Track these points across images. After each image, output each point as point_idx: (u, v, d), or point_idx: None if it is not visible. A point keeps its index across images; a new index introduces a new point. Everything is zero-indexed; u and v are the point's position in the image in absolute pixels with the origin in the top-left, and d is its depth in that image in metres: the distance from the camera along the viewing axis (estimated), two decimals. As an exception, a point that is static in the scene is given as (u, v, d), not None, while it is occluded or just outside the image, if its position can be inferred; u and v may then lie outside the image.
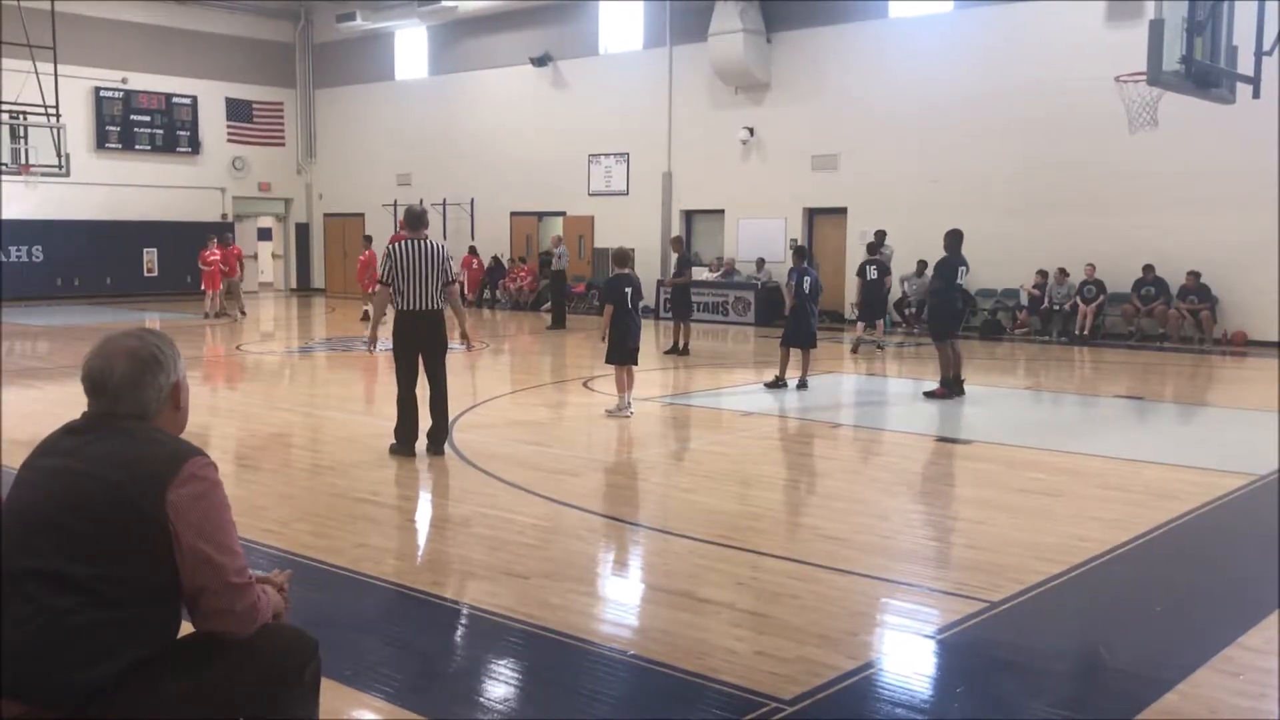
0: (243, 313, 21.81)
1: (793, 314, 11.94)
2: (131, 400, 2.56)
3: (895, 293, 18.75)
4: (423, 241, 7.89)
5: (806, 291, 11.85)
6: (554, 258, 20.37)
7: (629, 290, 9.95)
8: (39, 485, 2.50)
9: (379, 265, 7.99)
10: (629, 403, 9.97)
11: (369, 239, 22.08)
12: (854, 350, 16.22)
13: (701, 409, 10.79)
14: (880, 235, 17.88)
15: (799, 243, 19.55)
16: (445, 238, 26.38)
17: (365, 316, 20.50)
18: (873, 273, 16.63)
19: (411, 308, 7.86)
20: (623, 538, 6.20)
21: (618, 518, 6.58)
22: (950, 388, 11.23)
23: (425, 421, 8.07)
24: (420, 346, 7.98)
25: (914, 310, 19.25)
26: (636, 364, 10.13)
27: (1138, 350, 16.51)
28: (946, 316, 11.47)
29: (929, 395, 11.25)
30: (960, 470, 8.11)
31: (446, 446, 8.11)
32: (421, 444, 8.07)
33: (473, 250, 25.37)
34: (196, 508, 2.46)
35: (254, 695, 2.56)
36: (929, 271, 18.45)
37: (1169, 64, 9.48)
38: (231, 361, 15.07)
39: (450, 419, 8.47)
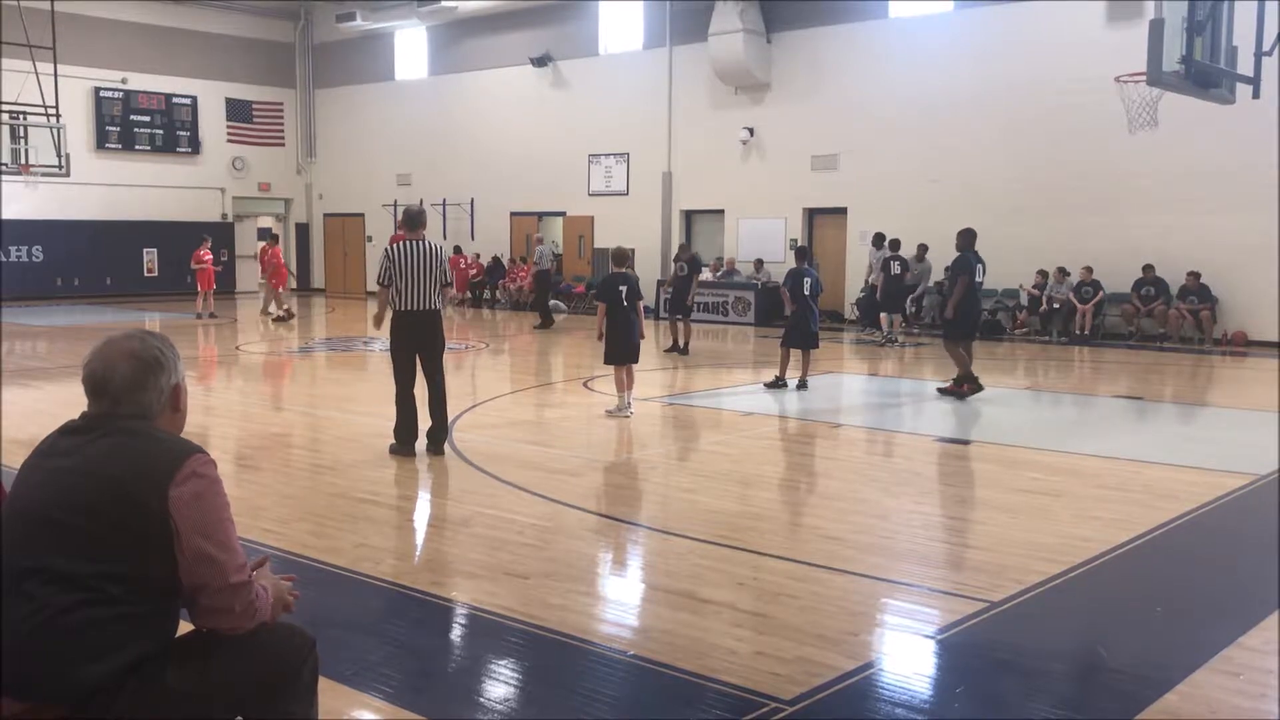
0: (267, 313, 22.10)
1: (794, 314, 11.93)
2: (133, 402, 2.57)
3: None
4: (420, 242, 7.91)
5: (807, 292, 11.84)
6: (536, 257, 20.40)
7: (624, 289, 9.93)
8: (40, 484, 2.50)
9: (379, 266, 8.01)
10: (629, 402, 9.98)
11: (275, 237, 21.78)
12: (893, 341, 16.97)
13: (701, 409, 10.79)
14: (880, 237, 17.94)
15: (800, 243, 19.56)
16: (445, 238, 26.39)
17: (278, 317, 20.38)
18: (896, 268, 17.06)
19: (409, 308, 7.88)
20: (623, 538, 6.19)
21: (618, 518, 6.58)
22: (959, 384, 11.22)
23: (425, 421, 8.08)
24: (418, 346, 8.00)
25: (915, 309, 19.21)
26: (636, 362, 10.13)
27: (1138, 350, 16.51)
28: (965, 318, 11.42)
29: (943, 392, 11.22)
30: (960, 470, 8.11)
31: (446, 446, 8.11)
32: (421, 444, 8.07)
33: (457, 250, 25.35)
34: (198, 505, 2.46)
35: (253, 693, 2.56)
36: (929, 257, 18.48)
37: (1169, 64, 9.48)
38: (231, 361, 15.06)
39: (450, 419, 8.47)
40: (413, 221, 8.14)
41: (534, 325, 19.76)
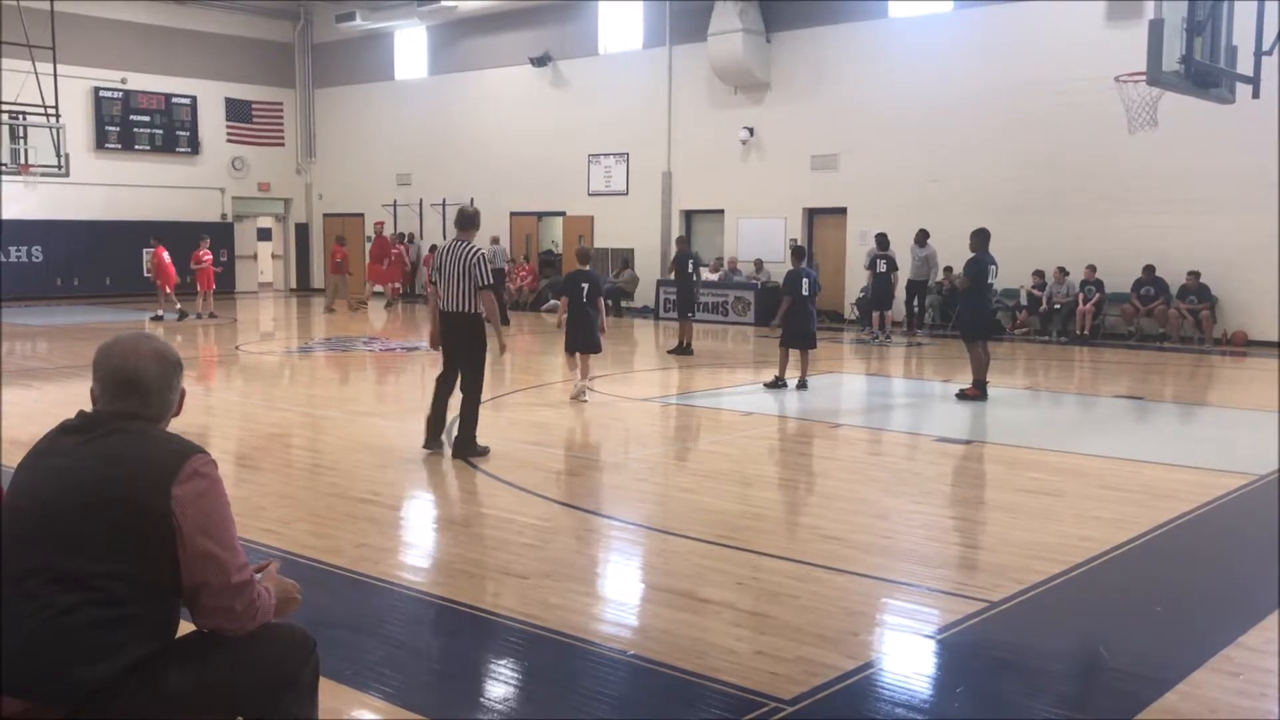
0: (331, 309, 22.95)
1: (792, 315, 11.92)
2: (160, 402, 2.59)
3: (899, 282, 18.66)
4: (460, 244, 7.93)
5: (806, 293, 11.85)
6: (490, 256, 20.62)
7: (585, 286, 10.78)
8: (39, 484, 2.50)
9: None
10: (581, 388, 10.72)
11: (157, 238, 21.22)
12: (888, 339, 17.29)
13: (701, 409, 10.79)
14: (881, 238, 17.93)
15: (798, 243, 19.55)
16: (444, 237, 26.37)
17: (157, 317, 20.26)
18: (882, 266, 17.17)
19: (445, 308, 7.95)
20: (623, 538, 6.19)
21: (618, 518, 6.57)
22: (981, 389, 11.20)
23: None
24: (454, 348, 8.00)
25: (919, 310, 19.14)
26: (599, 351, 10.97)
27: (1138, 350, 16.51)
28: (978, 317, 11.40)
29: (961, 396, 11.19)
30: (960, 470, 8.11)
31: (445, 446, 8.11)
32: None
33: (403, 238, 25.82)
34: (200, 504, 2.46)
35: (253, 693, 2.56)
36: (930, 243, 18.41)
37: (1169, 64, 9.50)
38: (231, 361, 15.06)
39: (451, 420, 8.44)
40: (460, 222, 8.18)
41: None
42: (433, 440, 8.09)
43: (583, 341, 10.79)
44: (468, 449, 7.91)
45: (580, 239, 24.30)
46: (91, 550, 2.39)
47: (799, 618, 4.64)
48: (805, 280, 11.89)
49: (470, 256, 7.84)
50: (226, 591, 2.48)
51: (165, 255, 20.33)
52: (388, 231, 26.67)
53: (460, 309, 7.88)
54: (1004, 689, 4.08)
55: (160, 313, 20.43)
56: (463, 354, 7.98)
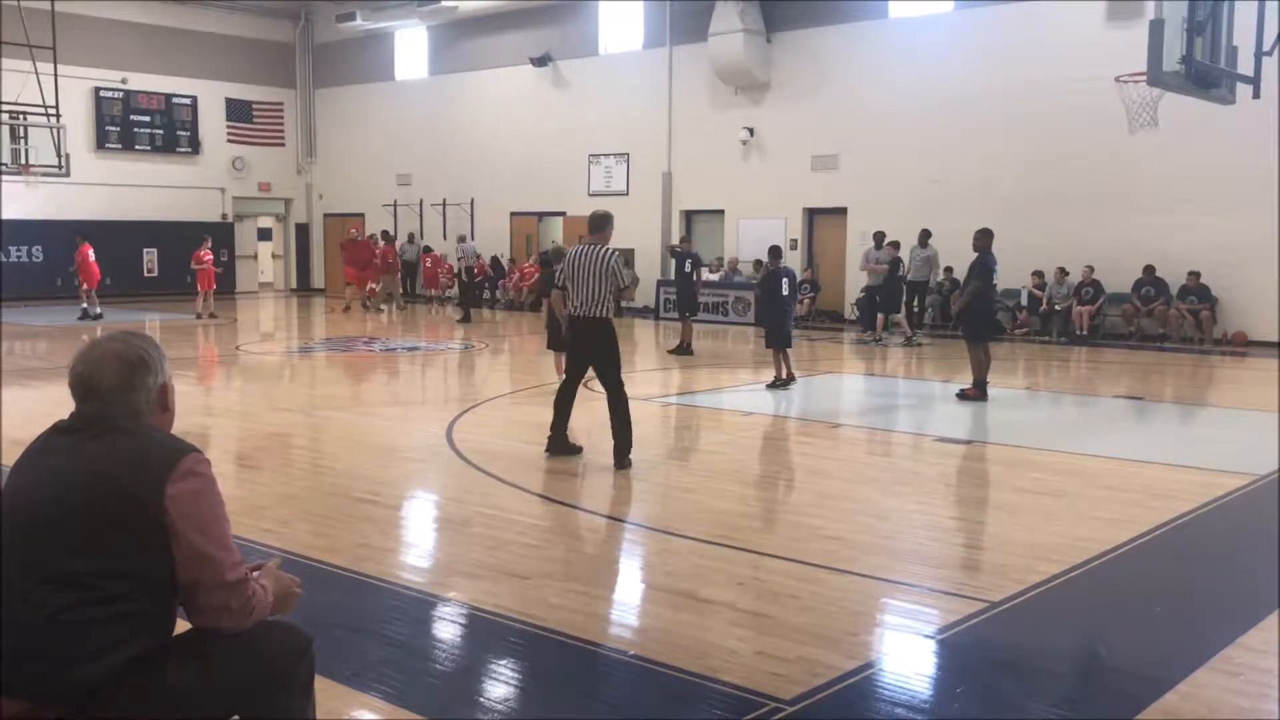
0: (381, 309, 23.27)
1: (772, 315, 11.94)
2: (123, 403, 2.57)
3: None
4: (594, 247, 7.85)
5: (785, 292, 11.88)
6: (460, 254, 21.98)
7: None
8: (35, 483, 2.50)
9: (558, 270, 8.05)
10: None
11: (85, 235, 20.96)
12: (884, 340, 17.39)
13: (702, 409, 10.79)
14: (879, 236, 17.91)
15: (798, 242, 19.57)
16: (445, 237, 26.41)
17: (85, 315, 20.19)
18: (886, 267, 17.20)
19: (577, 313, 7.85)
20: (623, 538, 6.19)
21: (618, 518, 6.57)
22: (981, 390, 11.19)
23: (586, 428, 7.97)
24: (587, 354, 7.92)
25: (919, 310, 19.12)
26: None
27: (1138, 350, 16.51)
28: (983, 318, 11.38)
29: (961, 396, 11.19)
30: (960, 470, 8.11)
31: (446, 446, 8.11)
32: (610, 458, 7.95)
33: (386, 235, 25.39)
34: (194, 503, 2.46)
35: (249, 691, 2.56)
36: (932, 243, 18.37)
37: (1169, 64, 9.49)
38: (231, 361, 15.06)
39: (454, 419, 8.45)
40: (592, 225, 8.11)
41: (456, 320, 20.81)
42: (555, 445, 8.01)
43: (562, 341, 10.89)
44: (625, 453, 7.79)
45: (581, 238, 24.37)
46: (87, 549, 2.39)
47: (799, 618, 4.64)
48: (785, 280, 11.93)
49: (605, 259, 7.72)
50: (221, 589, 2.48)
51: (90, 254, 20.31)
52: (381, 231, 26.56)
53: (595, 314, 7.77)
54: (1004, 689, 4.08)
55: (85, 308, 20.38)
56: (596, 359, 7.87)
